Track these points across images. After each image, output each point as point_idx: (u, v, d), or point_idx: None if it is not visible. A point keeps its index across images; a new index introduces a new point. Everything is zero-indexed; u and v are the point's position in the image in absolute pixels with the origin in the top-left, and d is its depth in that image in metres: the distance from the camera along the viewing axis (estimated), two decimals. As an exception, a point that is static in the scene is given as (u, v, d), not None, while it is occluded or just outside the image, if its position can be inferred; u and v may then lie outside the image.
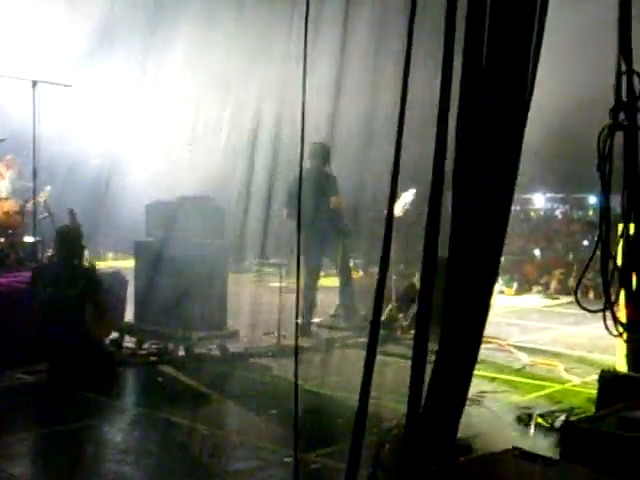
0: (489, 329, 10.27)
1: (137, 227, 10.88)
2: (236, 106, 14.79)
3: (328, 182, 11.39)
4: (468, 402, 6.94)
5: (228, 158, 14.63)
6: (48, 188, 12.24)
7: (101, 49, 15.60)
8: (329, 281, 14.43)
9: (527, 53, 4.51)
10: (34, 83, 11.19)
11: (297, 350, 5.22)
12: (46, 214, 12.16)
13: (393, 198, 4.32)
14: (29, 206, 11.47)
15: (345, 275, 11.62)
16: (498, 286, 16.31)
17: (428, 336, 4.10)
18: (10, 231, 10.99)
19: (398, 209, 10.90)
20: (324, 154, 11.42)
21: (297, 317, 6.99)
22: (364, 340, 10.21)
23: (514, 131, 4.57)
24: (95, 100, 15.59)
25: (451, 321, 4.18)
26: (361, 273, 12.21)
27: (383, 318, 10.76)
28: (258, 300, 10.65)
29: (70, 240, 8.87)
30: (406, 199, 10.74)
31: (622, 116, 6.15)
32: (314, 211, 10.78)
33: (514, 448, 4.20)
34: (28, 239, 11.27)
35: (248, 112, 15.16)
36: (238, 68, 13.38)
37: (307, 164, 11.27)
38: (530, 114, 4.77)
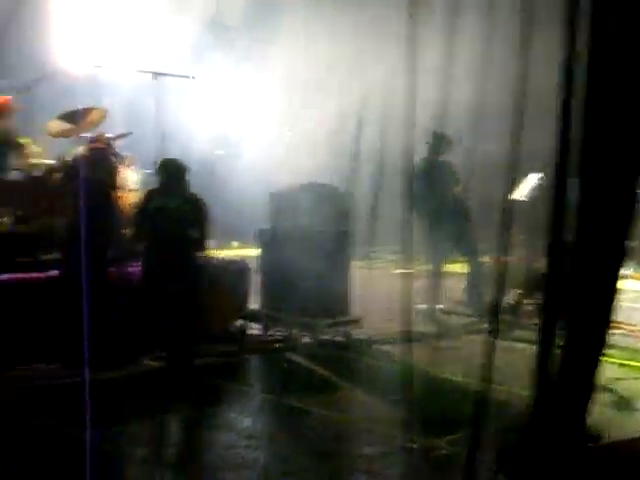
0: (618, 314, 10.15)
1: (260, 215, 10.98)
2: (348, 95, 14.80)
3: (450, 170, 11.45)
4: (597, 388, 6.85)
5: (344, 147, 14.63)
6: None
7: (220, 41, 15.81)
8: (458, 267, 14.34)
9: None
10: (155, 75, 11.39)
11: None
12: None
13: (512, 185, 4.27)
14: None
15: (473, 261, 11.55)
16: (628, 271, 15.92)
17: (555, 322, 4.02)
18: (137, 222, 11.22)
19: (524, 193, 10.76)
20: (443, 143, 11.41)
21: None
22: (489, 325, 10.19)
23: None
24: (215, 91, 15.80)
25: (578, 306, 4.10)
26: (486, 258, 12.06)
27: (509, 303, 10.68)
28: (380, 287, 10.63)
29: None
30: (532, 183, 10.60)
31: None
32: (438, 198, 10.79)
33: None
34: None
35: (360, 101, 15.14)
36: (347, 57, 13.34)
37: (427, 153, 11.30)
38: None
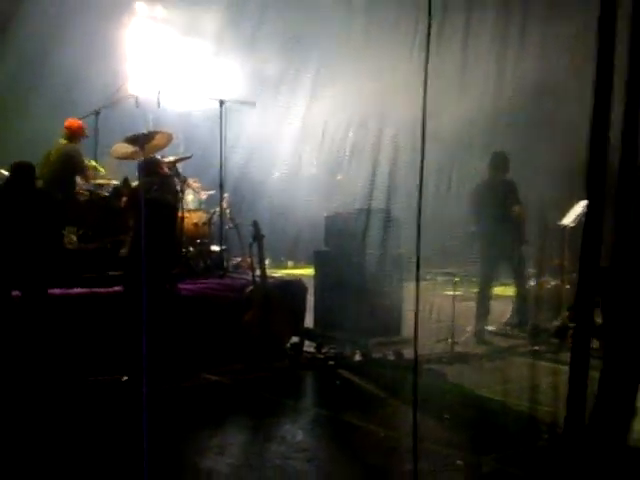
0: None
1: (315, 237, 11.10)
2: (401, 122, 14.85)
3: (510, 191, 11.29)
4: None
5: (399, 172, 14.66)
6: (227, 196, 12.63)
7: (278, 71, 16.00)
8: (503, 290, 14.28)
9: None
10: (221, 102, 11.62)
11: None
12: (231, 225, 12.55)
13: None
14: (215, 217, 11.87)
15: (521, 284, 11.53)
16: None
17: (589, 346, 4.06)
18: (198, 240, 11.41)
19: (571, 219, 10.74)
20: (504, 163, 11.35)
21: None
22: (536, 348, 10.21)
23: None
24: (273, 118, 15.97)
25: (615, 330, 4.13)
26: (533, 282, 12.04)
27: (555, 326, 10.67)
28: (432, 308, 10.67)
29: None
30: (578, 210, 10.57)
31: None
32: (494, 220, 10.75)
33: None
34: (215, 248, 11.64)
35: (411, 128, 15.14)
36: (395, 86, 13.42)
37: (487, 173, 11.28)
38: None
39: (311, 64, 15.53)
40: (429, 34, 4.16)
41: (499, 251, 11.04)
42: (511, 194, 11.30)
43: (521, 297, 11.46)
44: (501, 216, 10.87)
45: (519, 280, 11.53)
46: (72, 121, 10.95)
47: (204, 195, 12.70)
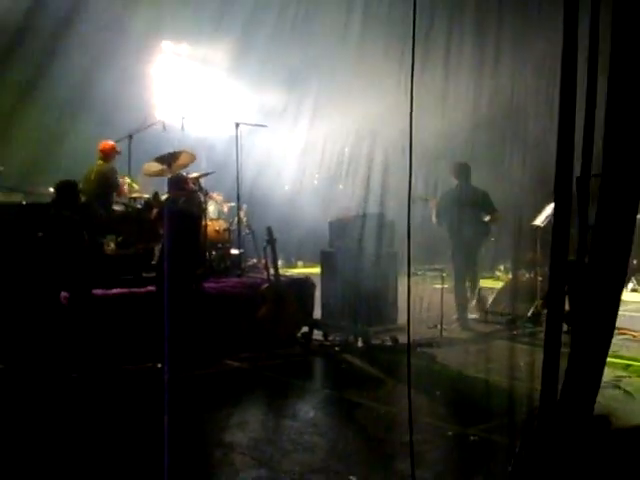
0: (624, 322, 10.09)
1: (321, 240, 11.11)
2: (381, 140, 14.87)
3: (481, 198, 11.21)
4: (606, 384, 6.84)
5: (387, 181, 14.67)
6: (245, 206, 12.68)
7: (286, 96, 16.07)
8: (486, 282, 14.30)
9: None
10: (237, 125, 11.64)
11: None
12: (248, 231, 12.59)
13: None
14: (234, 225, 11.91)
15: (475, 278, 11.44)
16: (631, 285, 15.76)
17: (561, 329, 4.07)
18: (220, 245, 11.44)
19: (541, 220, 10.76)
20: (467, 172, 11.27)
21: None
22: (514, 332, 10.23)
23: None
24: (281, 139, 16.05)
25: (580, 315, 4.12)
26: (510, 276, 12.08)
27: (530, 314, 10.68)
28: (423, 299, 10.67)
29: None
30: (548, 212, 10.57)
31: None
32: (461, 223, 10.70)
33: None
34: (234, 251, 11.67)
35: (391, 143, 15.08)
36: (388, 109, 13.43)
37: (454, 181, 11.23)
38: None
39: (311, 91, 15.62)
40: (413, 64, 4.16)
41: (465, 249, 10.96)
42: (484, 200, 11.20)
43: (472, 283, 11.35)
44: (469, 218, 10.82)
45: (472, 276, 11.37)
46: (104, 143, 10.99)
47: (226, 207, 12.75)
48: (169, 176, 10.25)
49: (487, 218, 11.14)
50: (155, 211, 9.83)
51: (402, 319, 9.93)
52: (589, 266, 4.22)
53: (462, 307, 10.95)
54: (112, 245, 10.11)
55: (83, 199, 9.62)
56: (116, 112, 13.32)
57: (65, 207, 8.65)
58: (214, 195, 11.93)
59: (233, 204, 12.31)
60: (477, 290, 11.46)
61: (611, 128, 4.17)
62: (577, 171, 4.15)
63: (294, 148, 16.66)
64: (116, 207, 10.71)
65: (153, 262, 9.87)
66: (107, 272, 9.43)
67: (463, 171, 11.24)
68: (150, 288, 9.24)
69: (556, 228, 4.11)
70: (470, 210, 10.92)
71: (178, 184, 9.81)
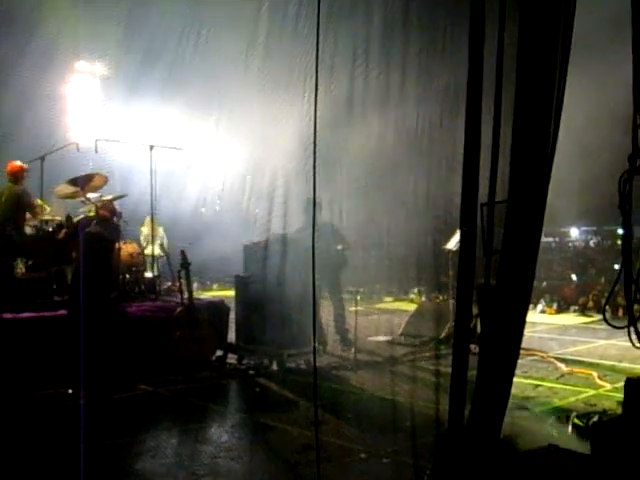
0: (533, 343, 10.38)
1: (236, 263, 11.08)
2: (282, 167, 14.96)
3: (332, 230, 11.18)
4: (515, 405, 7.00)
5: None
6: (161, 229, 12.56)
7: (196, 119, 16.04)
8: (401, 305, 14.46)
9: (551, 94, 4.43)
10: (151, 147, 11.56)
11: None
12: (163, 254, 12.48)
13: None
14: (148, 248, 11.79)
15: (338, 302, 11.25)
16: (540, 306, 16.19)
17: (468, 350, 4.17)
18: (134, 269, 11.30)
19: (453, 245, 10.96)
20: (316, 207, 10.37)
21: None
22: (426, 354, 10.38)
23: (543, 175, 4.54)
24: (197, 159, 16.01)
25: (490, 335, 4.23)
26: (424, 298, 12.24)
27: (442, 335, 10.84)
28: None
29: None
30: (458, 237, 10.77)
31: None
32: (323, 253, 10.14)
33: (550, 445, 4.24)
34: (148, 275, 11.55)
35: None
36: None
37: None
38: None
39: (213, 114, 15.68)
40: (317, 91, 4.23)
41: (325, 276, 10.68)
42: (335, 233, 11.18)
43: (336, 312, 11.10)
44: (323, 249, 10.32)
45: (335, 299, 11.20)
46: (12, 165, 10.66)
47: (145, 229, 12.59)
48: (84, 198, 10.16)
49: (340, 247, 11.10)
50: (64, 231, 9.70)
51: (318, 342, 10.00)
52: (495, 288, 4.33)
53: (337, 328, 10.94)
54: (22, 268, 9.90)
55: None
56: (25, 134, 13.07)
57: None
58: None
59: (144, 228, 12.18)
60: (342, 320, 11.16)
61: (516, 155, 4.31)
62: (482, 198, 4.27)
63: (210, 171, 16.62)
64: (27, 229, 10.47)
65: (67, 284, 9.70)
66: (17, 295, 9.23)
67: (311, 206, 11.03)
68: (62, 312, 9.08)
69: (463, 252, 4.22)
70: (322, 241, 10.54)
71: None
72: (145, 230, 11.92)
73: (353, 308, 10.72)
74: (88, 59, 15.91)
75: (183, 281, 9.81)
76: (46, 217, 10.79)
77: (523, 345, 4.94)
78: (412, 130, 13.52)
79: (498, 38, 4.16)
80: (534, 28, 4.23)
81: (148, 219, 12.28)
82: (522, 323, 4.48)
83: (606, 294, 15.57)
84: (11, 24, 13.75)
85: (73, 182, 10.52)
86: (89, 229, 9.34)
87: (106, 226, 9.75)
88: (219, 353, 10.03)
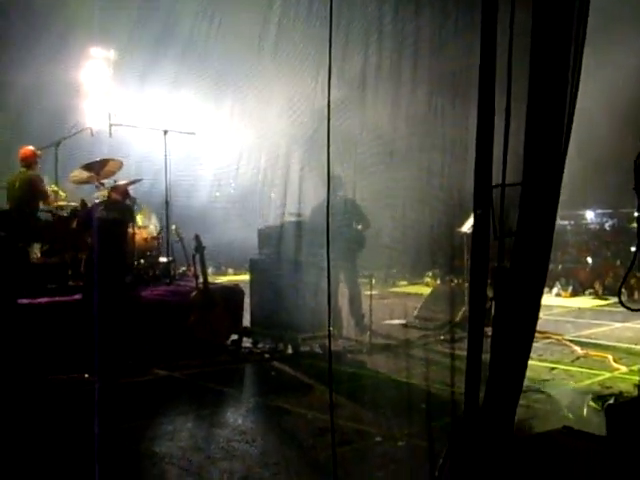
0: (548, 326, 10.31)
1: (251, 247, 11.08)
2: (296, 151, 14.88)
3: (351, 207, 10.87)
4: (529, 388, 6.97)
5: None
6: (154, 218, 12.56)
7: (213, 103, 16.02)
8: (415, 289, 14.41)
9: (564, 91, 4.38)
10: (165, 132, 11.55)
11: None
12: (177, 239, 12.46)
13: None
14: (163, 232, 11.77)
15: (353, 285, 10.84)
16: (556, 290, 16.11)
17: (482, 333, 4.14)
18: (148, 253, 11.31)
19: (467, 227, 10.88)
20: (338, 184, 10.52)
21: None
22: (442, 337, 10.35)
23: (558, 157, 4.49)
24: (211, 144, 16.00)
25: (505, 318, 4.18)
26: (438, 282, 12.20)
27: (457, 319, 10.79)
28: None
29: None
30: (472, 220, 10.67)
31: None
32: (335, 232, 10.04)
33: (564, 427, 4.22)
34: (163, 259, 11.56)
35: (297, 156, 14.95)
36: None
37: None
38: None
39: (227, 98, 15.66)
40: (330, 76, 4.20)
41: (341, 258, 10.14)
42: (353, 210, 10.87)
43: (352, 296, 10.73)
44: (342, 228, 10.32)
45: (351, 282, 10.79)
46: (24, 150, 10.64)
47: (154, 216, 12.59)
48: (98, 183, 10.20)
49: (359, 227, 10.93)
50: (81, 217, 9.75)
51: (333, 325, 9.97)
52: (510, 271, 4.30)
53: (355, 310, 10.71)
54: (38, 253, 9.94)
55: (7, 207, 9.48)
56: (41, 118, 13.11)
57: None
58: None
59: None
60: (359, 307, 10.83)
61: (531, 137, 4.26)
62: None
63: (224, 155, 16.62)
64: (42, 215, 10.50)
65: (81, 270, 9.73)
66: (33, 281, 9.27)
67: (334, 183, 10.85)
68: (77, 296, 9.12)
69: (476, 235, 4.18)
70: (342, 220, 10.46)
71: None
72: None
73: (368, 292, 10.68)
74: (102, 45, 15.90)
75: (198, 265, 9.81)
76: (61, 203, 10.82)
77: (538, 328, 4.93)
78: (427, 113, 13.47)
79: (510, 15, 4.10)
80: (549, 5, 4.17)
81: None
82: (537, 306, 4.44)
83: (622, 276, 15.47)
84: (26, 10, 13.79)
85: (88, 167, 10.56)
86: (100, 214, 9.35)
87: (117, 208, 9.73)
88: (234, 337, 10.05)
